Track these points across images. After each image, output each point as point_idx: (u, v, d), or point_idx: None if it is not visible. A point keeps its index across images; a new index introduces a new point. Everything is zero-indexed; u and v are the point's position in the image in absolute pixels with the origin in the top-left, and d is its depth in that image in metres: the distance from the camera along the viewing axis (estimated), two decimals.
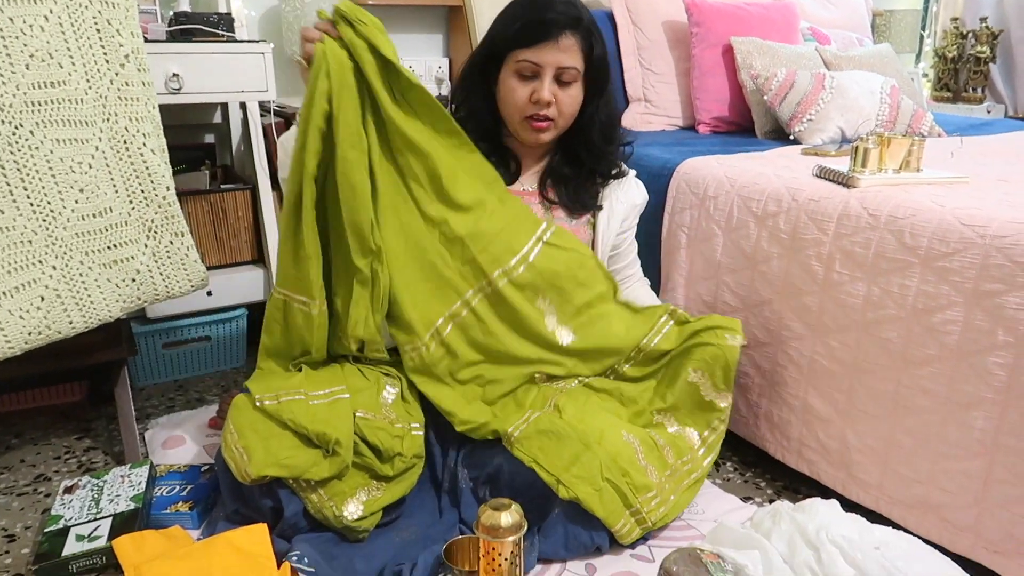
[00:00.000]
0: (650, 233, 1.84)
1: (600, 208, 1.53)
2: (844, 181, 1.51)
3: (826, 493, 1.46)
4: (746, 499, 1.56)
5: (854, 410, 1.43)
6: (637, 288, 1.66)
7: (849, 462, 1.44)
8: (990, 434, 1.22)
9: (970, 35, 3.61)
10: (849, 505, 1.39)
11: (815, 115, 2.13)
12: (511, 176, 1.52)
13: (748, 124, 2.39)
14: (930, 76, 3.81)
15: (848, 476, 1.45)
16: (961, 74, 3.67)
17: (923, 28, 3.80)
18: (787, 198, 1.55)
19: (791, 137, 2.18)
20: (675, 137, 2.31)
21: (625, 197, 1.55)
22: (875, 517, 1.36)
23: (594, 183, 1.53)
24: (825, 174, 1.58)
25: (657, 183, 1.86)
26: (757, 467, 1.69)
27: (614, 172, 1.54)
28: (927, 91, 3.79)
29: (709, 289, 1.72)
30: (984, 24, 3.54)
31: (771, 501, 1.56)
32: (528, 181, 1.54)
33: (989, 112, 3.53)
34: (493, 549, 0.97)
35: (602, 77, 1.43)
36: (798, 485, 1.61)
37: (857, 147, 1.52)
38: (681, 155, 1.88)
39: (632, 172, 1.59)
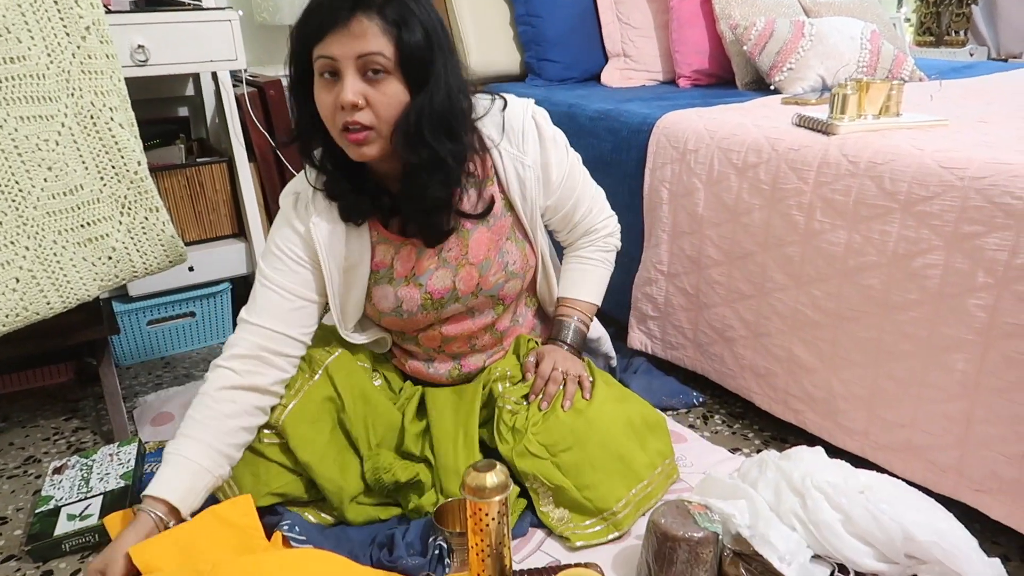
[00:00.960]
0: (631, 190, 1.83)
1: (497, 178, 1.29)
2: (823, 129, 1.49)
3: (813, 442, 1.46)
4: (734, 450, 1.58)
5: (838, 358, 1.43)
6: (577, 259, 1.48)
7: (835, 410, 1.45)
8: (971, 376, 1.23)
9: None
10: (836, 452, 1.40)
11: (795, 64, 2.11)
12: (387, 215, 1.27)
13: (729, 76, 2.36)
14: (912, 20, 3.77)
15: (834, 424, 1.46)
16: (943, 17, 3.63)
17: None
18: (767, 148, 1.53)
19: (772, 87, 2.15)
20: (655, 92, 2.29)
21: (529, 159, 1.28)
22: (862, 463, 1.37)
23: (453, 196, 1.22)
24: (805, 122, 1.56)
25: (637, 139, 1.84)
26: (744, 419, 1.70)
27: (448, 186, 1.21)
28: (910, 36, 3.76)
29: (692, 244, 1.71)
30: None
31: (759, 451, 1.57)
32: None
33: (972, 55, 3.50)
34: (480, 510, 0.97)
35: (421, 66, 1.10)
36: (785, 435, 1.63)
37: (836, 93, 1.50)
38: (661, 109, 1.86)
39: (526, 114, 1.28)
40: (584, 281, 1.47)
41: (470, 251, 1.30)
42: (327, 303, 1.31)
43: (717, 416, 1.72)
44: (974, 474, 1.25)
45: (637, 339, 1.91)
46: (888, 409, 1.36)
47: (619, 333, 1.93)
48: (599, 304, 1.50)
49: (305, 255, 1.27)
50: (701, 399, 1.76)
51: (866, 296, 1.36)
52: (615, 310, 1.98)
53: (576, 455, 1.24)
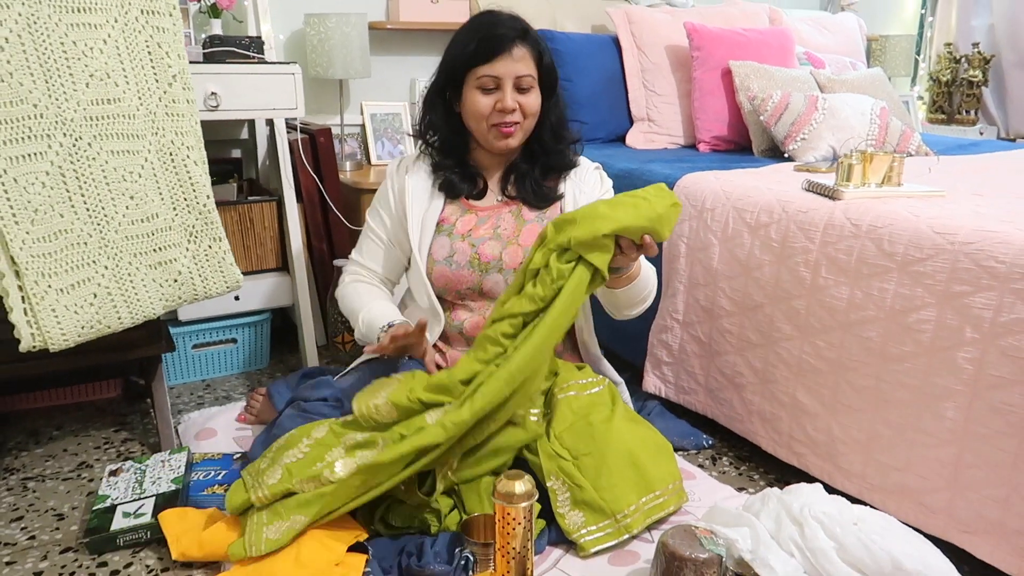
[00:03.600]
0: None
1: (562, 197, 1.62)
2: (830, 194, 1.64)
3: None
4: (740, 489, 1.68)
5: (839, 404, 1.54)
6: None
7: (834, 453, 1.56)
8: (960, 423, 1.34)
9: (963, 60, 3.75)
10: (835, 493, 1.49)
11: (808, 134, 2.26)
12: (479, 192, 1.63)
13: (746, 143, 2.52)
14: (926, 99, 3.94)
15: (834, 466, 1.56)
16: (955, 97, 3.80)
17: (918, 52, 3.94)
18: (778, 209, 1.67)
19: (786, 155, 2.31)
20: (676, 155, 2.45)
21: (588, 188, 1.64)
22: (859, 504, 1.46)
23: (550, 177, 1.63)
24: (813, 187, 1.70)
25: None
26: (751, 461, 1.80)
27: (567, 165, 1.63)
28: (923, 113, 3.93)
29: (707, 295, 1.84)
30: (976, 49, 3.68)
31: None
32: (496, 194, 1.64)
33: (982, 133, 3.66)
34: (508, 515, 1.08)
35: (552, 81, 1.56)
36: (789, 477, 1.72)
37: (842, 163, 1.65)
38: (681, 171, 2.01)
39: (594, 164, 1.68)
40: None
41: (521, 235, 1.58)
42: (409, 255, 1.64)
43: (725, 458, 1.83)
44: (962, 515, 1.35)
45: (652, 383, 2.02)
46: (884, 453, 1.47)
47: (635, 377, 2.04)
48: (645, 281, 1.53)
49: (396, 211, 1.62)
50: (711, 442, 1.87)
51: (865, 347, 1.48)
52: (632, 355, 2.10)
53: (596, 460, 1.37)
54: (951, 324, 1.34)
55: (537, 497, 1.15)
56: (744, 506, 1.42)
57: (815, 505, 1.28)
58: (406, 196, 1.60)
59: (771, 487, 1.68)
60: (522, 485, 1.08)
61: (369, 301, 1.61)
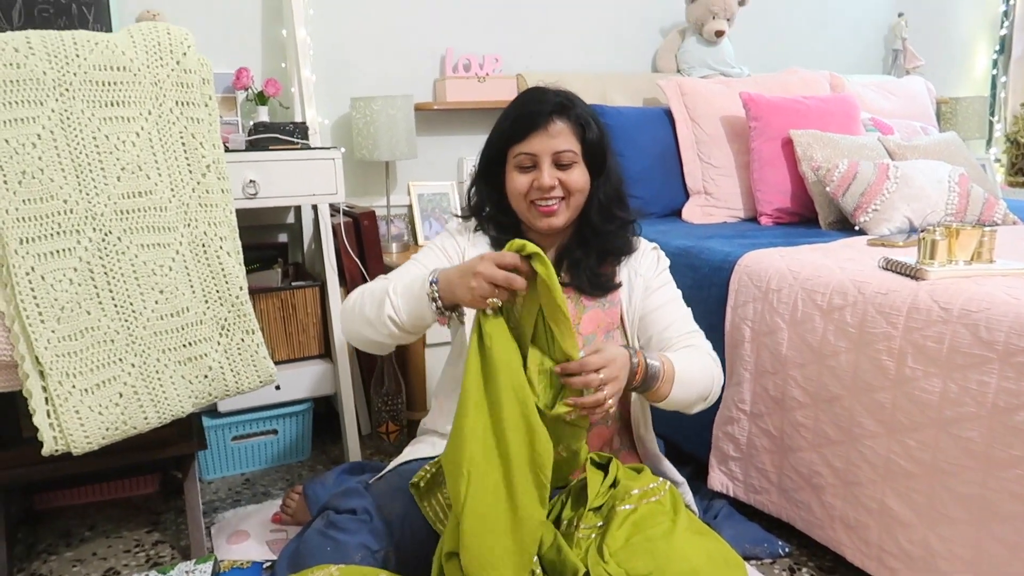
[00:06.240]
0: (712, 327, 1.81)
1: (620, 286, 1.49)
2: (912, 273, 1.47)
3: None
4: None
5: (937, 514, 1.34)
6: (681, 352, 1.43)
7: (935, 570, 1.35)
8: None
9: None
10: None
11: (880, 205, 2.11)
12: None
13: (811, 215, 2.37)
14: (1003, 161, 3.73)
15: None
16: None
17: (992, 114, 3.75)
18: (853, 291, 1.51)
19: (856, 228, 2.15)
20: (736, 229, 2.31)
21: (642, 269, 1.51)
22: None
23: (607, 263, 1.50)
24: (892, 266, 1.54)
25: (718, 276, 1.85)
26: (835, 573, 1.60)
27: (623, 249, 1.50)
28: (1001, 176, 3.71)
29: (776, 384, 1.67)
30: None
31: None
32: None
33: None
34: None
35: (598, 160, 1.43)
36: None
37: (924, 239, 1.49)
38: (742, 248, 1.88)
39: (651, 245, 1.56)
40: (679, 357, 1.39)
41: (582, 323, 1.45)
42: None
43: (805, 569, 1.62)
44: None
45: (718, 480, 1.84)
46: (996, 574, 1.26)
47: (698, 472, 1.87)
48: (690, 385, 1.37)
49: (456, 258, 1.51)
50: (787, 549, 1.67)
51: (965, 449, 1.29)
52: (694, 447, 1.93)
53: None
54: None
55: None
56: None
57: None
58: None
59: None
60: None
61: (393, 279, 1.41)
